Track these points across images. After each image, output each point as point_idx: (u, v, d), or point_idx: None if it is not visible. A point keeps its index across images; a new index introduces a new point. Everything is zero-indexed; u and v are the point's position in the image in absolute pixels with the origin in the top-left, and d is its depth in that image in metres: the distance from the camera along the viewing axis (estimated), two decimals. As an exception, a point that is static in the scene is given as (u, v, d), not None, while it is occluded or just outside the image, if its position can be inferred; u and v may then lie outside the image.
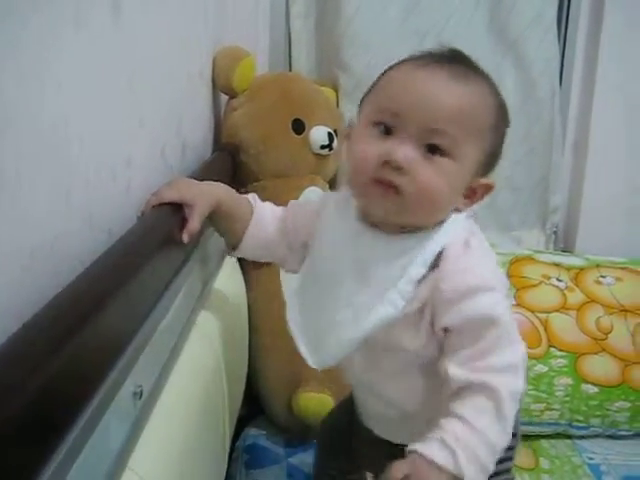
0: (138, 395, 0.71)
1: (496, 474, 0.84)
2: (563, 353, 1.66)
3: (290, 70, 1.94)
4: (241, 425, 1.56)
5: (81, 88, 0.69)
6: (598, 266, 1.81)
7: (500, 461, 0.84)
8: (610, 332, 1.70)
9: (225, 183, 1.40)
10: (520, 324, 1.67)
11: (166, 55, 1.04)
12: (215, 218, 0.97)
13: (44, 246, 0.61)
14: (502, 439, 0.81)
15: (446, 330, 0.84)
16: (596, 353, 1.67)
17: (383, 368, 0.93)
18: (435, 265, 0.84)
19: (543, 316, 1.69)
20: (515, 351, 0.85)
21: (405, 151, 0.81)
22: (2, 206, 0.54)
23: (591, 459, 1.60)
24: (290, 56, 1.94)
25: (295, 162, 1.56)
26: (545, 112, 1.97)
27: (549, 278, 1.76)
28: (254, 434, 1.59)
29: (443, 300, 0.83)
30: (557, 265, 1.79)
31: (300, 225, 1.00)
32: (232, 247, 1.03)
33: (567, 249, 2.10)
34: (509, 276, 1.74)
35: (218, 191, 0.98)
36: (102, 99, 0.76)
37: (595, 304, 1.73)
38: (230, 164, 1.47)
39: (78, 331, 0.55)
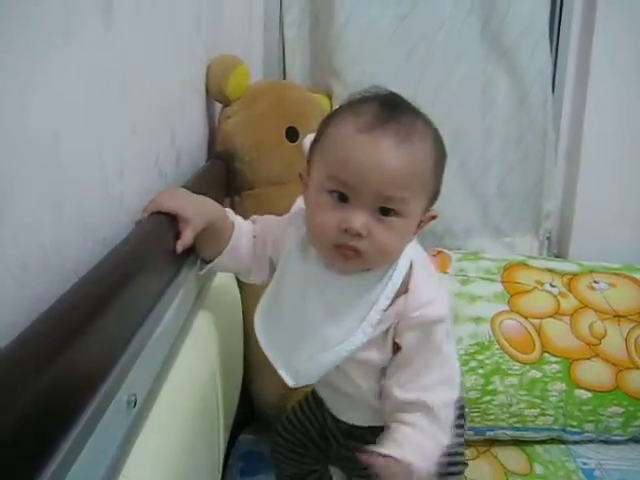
0: (132, 404, 0.71)
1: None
2: (557, 359, 1.67)
3: (284, 78, 1.95)
4: (236, 431, 1.56)
5: (72, 98, 0.70)
6: (591, 272, 1.82)
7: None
8: (603, 337, 1.71)
9: (219, 191, 1.42)
10: (514, 330, 1.68)
11: (159, 64, 1.05)
12: (202, 235, 0.98)
13: (36, 257, 0.62)
14: (442, 436, 0.94)
15: (398, 347, 0.95)
16: (589, 358, 1.68)
17: (348, 374, 1.00)
18: (401, 291, 0.94)
19: (537, 322, 1.70)
20: (448, 367, 0.98)
21: (362, 219, 0.87)
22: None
23: (585, 464, 1.61)
24: (284, 64, 1.95)
25: (289, 169, 1.56)
26: (538, 119, 1.98)
27: (542, 284, 1.76)
28: (249, 441, 1.60)
29: (408, 325, 0.93)
30: (550, 271, 1.80)
31: (268, 240, 1.06)
32: (209, 258, 1.06)
33: (560, 255, 2.11)
34: (503, 282, 1.75)
35: (212, 210, 1.01)
36: (94, 108, 0.76)
37: (588, 310, 1.74)
38: (224, 172, 1.48)
39: (72, 341, 0.56)
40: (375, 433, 0.99)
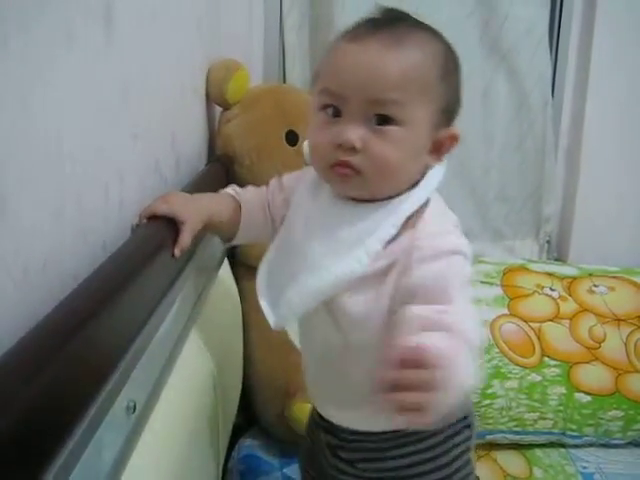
0: (131, 409, 0.71)
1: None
2: (556, 362, 1.67)
3: (284, 81, 1.95)
4: (236, 435, 1.56)
5: (74, 105, 0.70)
6: (591, 275, 1.82)
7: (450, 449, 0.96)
8: (603, 341, 1.71)
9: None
10: (513, 334, 1.68)
11: (160, 69, 1.05)
12: (208, 228, 0.99)
13: (37, 262, 0.62)
14: (470, 366, 0.73)
15: (409, 292, 0.81)
16: (589, 362, 1.68)
17: (338, 324, 0.90)
18: (408, 225, 0.85)
19: (536, 326, 1.70)
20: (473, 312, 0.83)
21: (354, 131, 0.82)
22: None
23: (585, 468, 1.61)
24: (284, 67, 1.95)
25: (289, 173, 1.56)
26: (538, 123, 1.98)
27: (542, 288, 1.76)
28: (249, 444, 1.60)
29: (420, 257, 0.82)
30: (550, 275, 1.80)
31: (280, 201, 1.02)
32: (227, 241, 1.07)
33: (560, 258, 2.11)
34: (502, 285, 1.75)
35: (208, 204, 0.99)
36: (95, 115, 0.77)
37: (588, 313, 1.74)
38: (224, 175, 1.48)
39: (70, 347, 0.56)
40: (363, 449, 0.98)
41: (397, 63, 0.82)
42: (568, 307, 1.74)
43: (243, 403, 1.48)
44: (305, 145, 1.55)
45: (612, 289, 1.79)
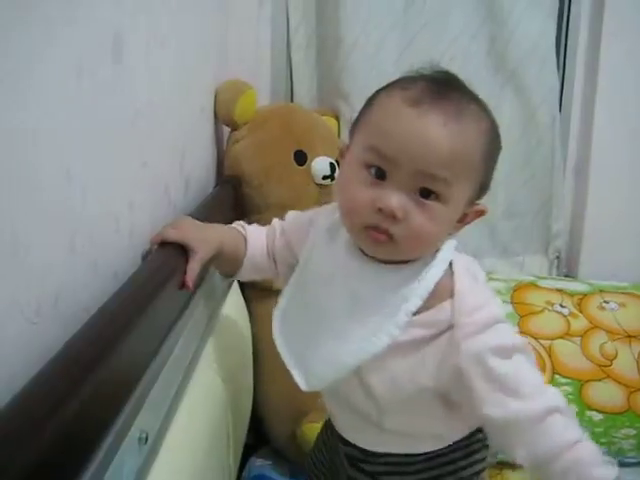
0: (143, 440, 0.71)
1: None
2: (568, 380, 1.66)
3: (292, 100, 1.95)
4: (246, 454, 1.55)
5: (83, 138, 0.71)
6: (601, 291, 1.81)
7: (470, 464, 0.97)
8: (615, 358, 1.70)
9: (228, 216, 1.42)
10: (524, 351, 1.67)
11: (168, 93, 1.06)
12: (215, 260, 0.99)
13: (49, 298, 0.62)
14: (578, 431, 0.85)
15: (462, 368, 0.83)
16: (601, 380, 1.67)
17: (367, 383, 0.90)
18: (437, 294, 0.84)
19: (547, 343, 1.69)
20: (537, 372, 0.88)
21: (399, 199, 0.80)
22: (5, 262, 0.55)
23: (598, 487, 1.59)
24: (292, 87, 1.95)
25: (298, 193, 1.56)
26: (546, 139, 1.97)
27: (552, 304, 1.76)
28: (259, 464, 1.59)
29: (465, 333, 0.83)
30: (560, 291, 1.80)
31: (282, 245, 1.02)
32: (228, 275, 1.09)
33: (570, 274, 2.10)
34: (512, 303, 1.74)
35: (220, 236, 0.99)
36: (105, 145, 0.77)
37: (599, 330, 1.73)
38: (233, 197, 1.49)
39: (83, 383, 0.57)
40: (388, 462, 0.98)
41: (453, 141, 0.80)
42: (579, 324, 1.73)
43: (253, 423, 1.48)
44: (313, 166, 1.56)
45: (623, 305, 1.78)
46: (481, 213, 0.89)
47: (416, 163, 0.80)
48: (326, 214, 0.96)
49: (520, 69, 1.91)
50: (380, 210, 0.80)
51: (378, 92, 0.88)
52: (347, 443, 1.03)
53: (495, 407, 0.83)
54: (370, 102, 0.88)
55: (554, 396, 0.84)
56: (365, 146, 0.84)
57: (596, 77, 1.96)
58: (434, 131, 0.80)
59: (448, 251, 0.87)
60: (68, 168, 0.66)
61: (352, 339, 0.86)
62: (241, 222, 1.09)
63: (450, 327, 0.84)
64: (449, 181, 0.80)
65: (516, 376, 0.83)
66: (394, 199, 0.80)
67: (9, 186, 0.55)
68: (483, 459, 1.02)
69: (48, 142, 0.62)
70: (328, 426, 1.11)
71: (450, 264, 0.87)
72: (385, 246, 0.82)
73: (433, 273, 0.85)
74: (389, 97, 0.84)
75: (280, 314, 0.96)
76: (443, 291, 0.85)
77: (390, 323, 0.84)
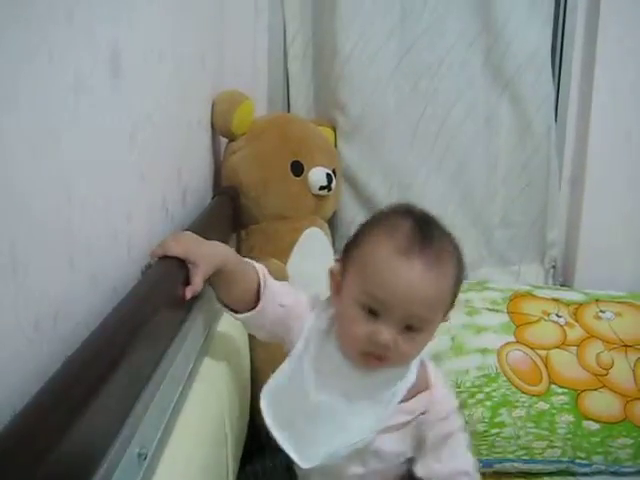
0: (143, 456, 0.71)
1: None
2: (564, 390, 1.65)
3: (289, 110, 1.95)
4: (244, 462, 1.55)
5: (82, 152, 0.71)
6: (597, 301, 1.81)
7: None
8: (611, 368, 1.69)
9: (225, 226, 1.42)
10: (521, 361, 1.67)
11: (165, 106, 1.06)
12: (216, 280, 0.99)
13: (49, 315, 0.62)
14: None
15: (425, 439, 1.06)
16: (597, 389, 1.67)
17: (365, 466, 1.07)
18: (420, 387, 1.05)
19: (543, 353, 1.69)
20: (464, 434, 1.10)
21: (390, 334, 0.94)
22: (4, 280, 0.55)
23: (594, 496, 1.60)
24: (288, 97, 1.95)
25: (295, 204, 1.57)
26: (541, 148, 1.98)
27: (549, 314, 1.76)
28: (256, 471, 1.58)
29: (435, 418, 1.05)
30: (556, 301, 1.80)
31: (279, 314, 1.05)
32: (222, 301, 1.06)
33: (566, 283, 2.10)
34: (509, 312, 1.74)
35: (222, 253, 1.00)
36: (103, 161, 0.77)
37: (595, 340, 1.73)
38: (230, 207, 1.49)
39: (84, 400, 0.56)
40: None
41: (436, 286, 0.95)
42: (575, 333, 1.73)
43: (251, 430, 1.48)
44: (310, 176, 1.56)
45: (619, 314, 1.78)
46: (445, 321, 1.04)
47: (406, 307, 0.94)
48: (319, 310, 1.05)
49: (516, 79, 1.92)
50: (375, 342, 0.95)
51: (364, 230, 1.01)
52: None
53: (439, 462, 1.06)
54: (358, 241, 1.00)
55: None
56: (361, 290, 0.96)
57: (591, 87, 1.97)
58: (421, 279, 0.94)
59: (421, 356, 1.05)
60: (66, 184, 0.67)
61: (349, 430, 1.00)
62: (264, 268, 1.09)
63: (426, 411, 1.04)
64: (430, 319, 0.97)
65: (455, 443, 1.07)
66: (386, 334, 0.94)
67: (7, 203, 0.55)
68: None
69: (46, 158, 0.62)
70: None
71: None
72: (376, 365, 0.98)
73: (412, 371, 1.03)
74: (379, 245, 0.96)
75: (270, 391, 1.04)
76: (421, 382, 1.05)
77: (383, 413, 1.01)
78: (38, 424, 0.52)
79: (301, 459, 1.01)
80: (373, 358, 0.97)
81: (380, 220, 1.01)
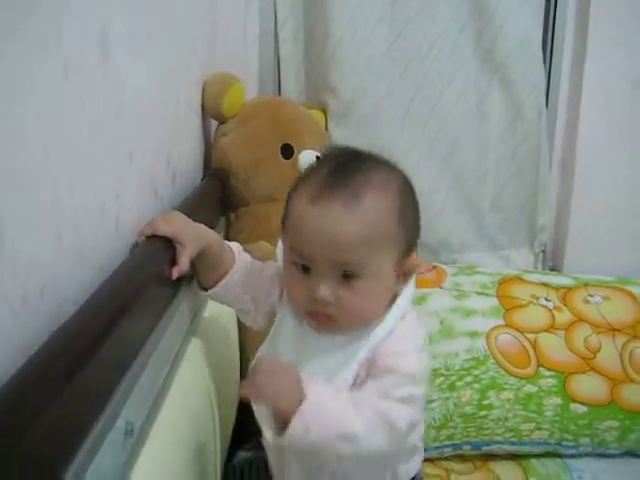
0: (130, 432, 0.72)
1: None
2: (552, 373, 1.67)
3: (279, 94, 1.95)
4: (233, 446, 1.56)
5: (70, 130, 0.71)
6: (586, 285, 1.82)
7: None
8: (598, 351, 1.71)
9: (214, 208, 1.43)
10: (509, 344, 1.68)
11: (155, 87, 1.06)
12: (198, 261, 0.99)
13: (35, 289, 0.62)
14: (354, 424, 0.84)
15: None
16: (585, 372, 1.68)
17: None
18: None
19: (532, 336, 1.70)
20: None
21: (325, 287, 0.87)
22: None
23: (581, 477, 1.61)
24: (279, 80, 1.95)
25: (284, 186, 1.54)
26: (532, 133, 1.98)
27: (537, 298, 1.77)
28: (245, 456, 1.59)
29: (374, 372, 0.89)
30: (545, 285, 1.81)
31: (269, 285, 1.03)
32: (203, 288, 1.05)
33: (555, 268, 2.12)
34: (498, 296, 1.76)
35: (208, 236, 1.01)
36: (92, 138, 0.77)
37: (583, 323, 1.74)
38: (220, 189, 1.49)
39: (70, 375, 0.57)
40: None
41: (357, 227, 0.86)
42: (563, 317, 1.74)
43: (241, 414, 1.48)
44: (300, 159, 1.56)
45: (607, 299, 1.79)
46: (415, 266, 0.95)
47: (329, 256, 0.87)
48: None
49: (507, 64, 1.92)
50: (314, 299, 0.88)
51: (294, 186, 0.94)
52: None
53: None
54: (288, 198, 0.94)
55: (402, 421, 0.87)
56: (288, 249, 0.92)
57: (582, 73, 1.97)
58: (336, 224, 0.86)
59: (395, 315, 0.93)
60: (55, 160, 0.67)
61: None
62: (238, 244, 1.09)
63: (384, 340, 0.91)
64: (362, 262, 0.87)
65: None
66: (322, 289, 0.88)
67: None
68: None
69: (35, 137, 0.62)
70: None
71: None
72: (327, 325, 0.91)
73: (378, 334, 0.91)
74: (298, 197, 0.91)
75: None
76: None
77: (347, 374, 0.90)
78: (22, 397, 0.52)
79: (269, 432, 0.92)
80: (322, 317, 0.90)
81: (302, 173, 0.96)
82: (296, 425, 0.81)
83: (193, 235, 0.96)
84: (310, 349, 0.94)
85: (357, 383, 0.91)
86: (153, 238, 0.91)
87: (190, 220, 0.99)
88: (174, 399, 0.88)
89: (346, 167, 0.90)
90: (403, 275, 0.94)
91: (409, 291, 0.96)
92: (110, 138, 0.84)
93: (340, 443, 0.84)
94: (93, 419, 0.62)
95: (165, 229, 0.92)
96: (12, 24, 0.57)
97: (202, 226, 1.01)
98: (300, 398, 0.82)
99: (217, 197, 1.46)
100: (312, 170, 0.93)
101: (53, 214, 0.67)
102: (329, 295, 0.88)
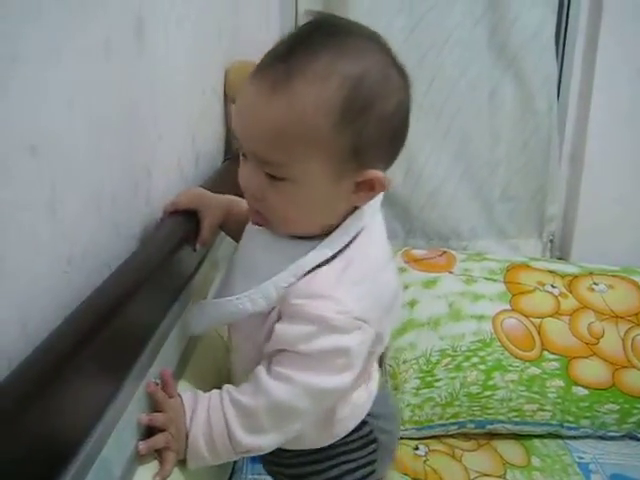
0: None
1: None
2: (555, 356, 1.73)
3: (298, 82, 2.00)
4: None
5: (110, 107, 0.77)
6: (591, 274, 1.88)
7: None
8: (601, 337, 1.77)
9: (235, 189, 1.48)
10: (515, 328, 1.74)
11: (183, 73, 1.12)
12: (225, 226, 1.03)
13: (78, 255, 0.69)
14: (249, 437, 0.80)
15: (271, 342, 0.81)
16: (587, 357, 1.74)
17: (237, 347, 0.93)
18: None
19: (537, 321, 1.76)
20: (329, 381, 0.80)
21: (253, 178, 0.78)
22: (45, 223, 0.62)
23: (581, 458, 1.67)
24: (298, 68, 2.00)
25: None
26: (543, 125, 2.03)
27: (544, 285, 1.82)
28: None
29: (286, 313, 0.80)
30: (552, 272, 1.86)
31: None
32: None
33: (563, 257, 2.17)
34: (505, 282, 1.81)
35: (228, 203, 1.01)
36: (127, 118, 0.84)
37: (588, 310, 1.80)
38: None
39: (101, 330, 0.64)
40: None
41: (275, 113, 0.72)
42: (568, 304, 1.80)
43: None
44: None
45: (612, 287, 1.85)
46: (379, 182, 0.79)
47: (248, 145, 0.77)
48: None
49: (520, 56, 1.97)
50: (242, 188, 0.81)
51: None
52: None
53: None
54: None
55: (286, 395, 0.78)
56: None
57: (593, 66, 2.01)
58: (257, 106, 0.73)
59: (340, 236, 0.81)
60: (96, 136, 0.73)
61: (228, 302, 0.83)
62: None
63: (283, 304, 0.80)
64: (283, 162, 0.75)
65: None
66: (248, 179, 0.79)
67: (49, 151, 0.62)
68: (360, 459, 0.97)
69: (81, 112, 0.69)
70: None
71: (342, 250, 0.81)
72: (264, 224, 0.83)
73: (312, 256, 0.80)
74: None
75: None
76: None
77: (257, 291, 0.80)
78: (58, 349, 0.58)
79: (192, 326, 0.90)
80: (254, 213, 0.81)
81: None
82: (192, 461, 0.80)
83: (213, 206, 0.98)
84: (254, 242, 0.88)
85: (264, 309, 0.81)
86: (177, 213, 0.97)
87: (209, 192, 1.02)
88: (197, 364, 0.95)
89: (302, 39, 0.75)
90: (363, 192, 0.80)
91: (363, 213, 0.83)
92: (142, 118, 0.90)
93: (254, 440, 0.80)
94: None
95: (185, 203, 0.96)
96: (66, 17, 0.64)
97: (220, 196, 1.02)
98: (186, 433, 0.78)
99: (236, 180, 1.52)
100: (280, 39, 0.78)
101: (95, 187, 0.73)
102: (255, 188, 0.78)
